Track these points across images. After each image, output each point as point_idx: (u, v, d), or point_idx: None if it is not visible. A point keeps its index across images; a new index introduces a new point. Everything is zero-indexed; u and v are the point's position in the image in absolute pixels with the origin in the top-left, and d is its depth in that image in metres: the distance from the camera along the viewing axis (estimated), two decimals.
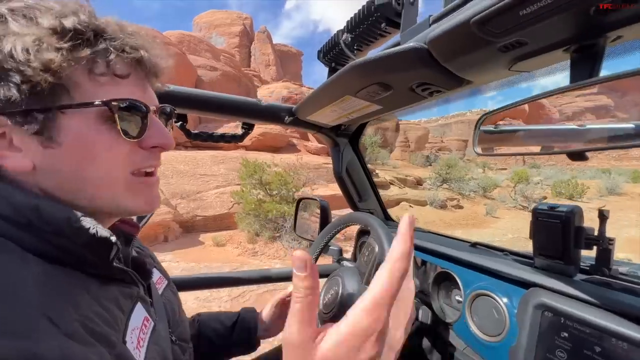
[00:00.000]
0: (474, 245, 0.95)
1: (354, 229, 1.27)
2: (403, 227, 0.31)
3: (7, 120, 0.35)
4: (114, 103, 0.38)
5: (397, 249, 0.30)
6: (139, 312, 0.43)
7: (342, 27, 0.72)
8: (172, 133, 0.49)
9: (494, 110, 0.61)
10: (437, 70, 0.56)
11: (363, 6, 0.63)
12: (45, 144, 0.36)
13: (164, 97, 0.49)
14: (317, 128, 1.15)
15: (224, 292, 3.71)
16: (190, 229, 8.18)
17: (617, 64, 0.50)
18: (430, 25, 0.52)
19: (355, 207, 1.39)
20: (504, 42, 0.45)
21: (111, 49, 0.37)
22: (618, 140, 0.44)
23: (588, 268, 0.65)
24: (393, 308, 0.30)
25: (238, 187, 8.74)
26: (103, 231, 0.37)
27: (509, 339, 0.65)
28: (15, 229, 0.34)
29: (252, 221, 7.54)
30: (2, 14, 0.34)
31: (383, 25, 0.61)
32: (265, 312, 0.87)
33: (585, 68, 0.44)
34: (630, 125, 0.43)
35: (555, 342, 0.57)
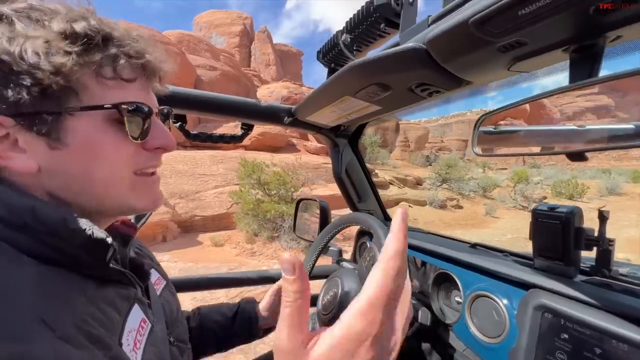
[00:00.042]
0: (474, 246, 0.95)
1: (353, 229, 1.27)
2: (396, 224, 0.30)
3: (12, 121, 0.35)
4: (123, 106, 0.39)
5: (391, 247, 0.30)
6: (136, 314, 0.43)
7: (341, 28, 0.72)
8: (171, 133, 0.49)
9: (493, 111, 0.60)
10: (436, 70, 0.55)
11: (362, 7, 0.63)
12: (52, 145, 0.37)
13: (163, 98, 0.49)
14: (316, 129, 1.15)
15: (221, 293, 3.69)
16: (188, 229, 8.19)
17: (617, 64, 0.50)
18: (429, 26, 0.52)
19: (354, 208, 1.38)
20: (503, 42, 0.45)
21: (120, 54, 0.38)
22: (618, 140, 0.44)
23: (588, 269, 0.65)
24: (389, 308, 0.29)
25: (237, 187, 8.74)
26: (99, 232, 0.37)
27: (508, 341, 0.65)
28: (10, 230, 0.34)
29: (251, 221, 7.54)
30: (8, 15, 0.34)
31: (382, 25, 0.61)
32: (264, 301, 0.89)
33: (584, 68, 0.44)
34: (630, 125, 0.43)
35: (555, 344, 0.57)
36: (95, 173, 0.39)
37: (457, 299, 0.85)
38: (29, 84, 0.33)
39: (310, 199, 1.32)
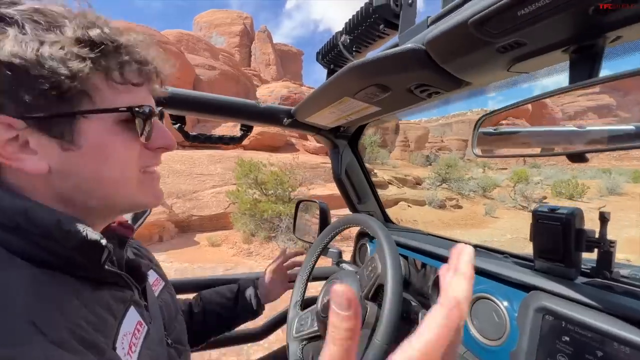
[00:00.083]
0: (474, 247, 0.94)
1: (353, 230, 1.27)
2: (464, 264, 0.26)
3: (23, 123, 0.35)
4: (136, 109, 0.41)
5: (459, 290, 0.25)
6: (132, 317, 0.43)
7: (341, 29, 0.71)
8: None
9: (492, 112, 0.60)
10: (436, 71, 0.55)
11: (361, 8, 0.62)
12: (65, 147, 0.38)
13: (162, 99, 0.50)
14: (316, 130, 1.15)
15: None
16: (185, 229, 8.17)
17: (617, 64, 0.50)
18: (428, 27, 0.52)
19: (354, 209, 1.38)
20: (503, 42, 0.44)
21: (131, 61, 0.41)
22: (618, 141, 0.44)
23: (589, 271, 0.65)
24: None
25: (234, 186, 8.73)
26: (93, 234, 0.37)
27: (509, 343, 0.65)
28: (2, 232, 0.34)
29: (248, 221, 7.52)
30: (16, 18, 0.34)
31: (381, 26, 0.60)
32: (263, 278, 0.97)
33: (584, 69, 0.44)
34: (631, 126, 0.43)
35: (556, 347, 0.56)
36: (106, 173, 0.40)
37: None
38: (47, 88, 0.34)
39: (310, 200, 1.32)
